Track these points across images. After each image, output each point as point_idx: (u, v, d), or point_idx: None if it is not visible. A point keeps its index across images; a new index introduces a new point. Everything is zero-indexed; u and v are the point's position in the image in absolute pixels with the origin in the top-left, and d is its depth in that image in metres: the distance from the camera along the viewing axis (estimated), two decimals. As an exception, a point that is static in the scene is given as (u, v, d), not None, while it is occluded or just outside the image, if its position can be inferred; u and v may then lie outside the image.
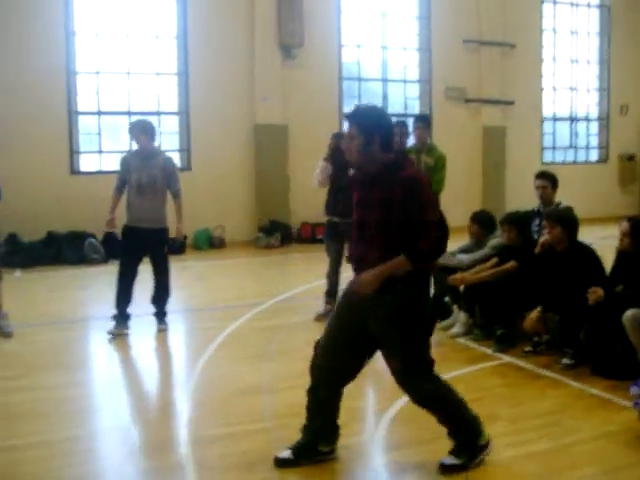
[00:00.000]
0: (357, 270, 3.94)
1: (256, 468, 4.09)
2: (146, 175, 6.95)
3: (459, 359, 6.22)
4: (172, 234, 7.30)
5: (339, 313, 4.08)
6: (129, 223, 7.10)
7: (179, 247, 11.22)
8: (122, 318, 7.02)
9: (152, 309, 7.25)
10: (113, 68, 12.83)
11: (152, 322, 7.21)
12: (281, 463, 4.11)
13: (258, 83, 13.53)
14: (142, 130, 7.04)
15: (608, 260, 6.10)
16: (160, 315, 7.26)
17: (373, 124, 3.85)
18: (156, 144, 7.53)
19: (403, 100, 15.63)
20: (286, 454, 4.13)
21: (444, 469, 4.02)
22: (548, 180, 7.36)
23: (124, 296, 7.04)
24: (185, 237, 10.65)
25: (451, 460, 4.04)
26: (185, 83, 13.21)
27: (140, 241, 7.02)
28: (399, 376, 3.97)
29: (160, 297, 7.24)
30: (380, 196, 3.82)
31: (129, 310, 7.08)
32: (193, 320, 7.95)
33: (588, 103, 18.23)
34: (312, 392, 4.13)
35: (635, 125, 18.31)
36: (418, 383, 3.96)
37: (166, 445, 4.51)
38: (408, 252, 3.72)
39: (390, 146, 3.90)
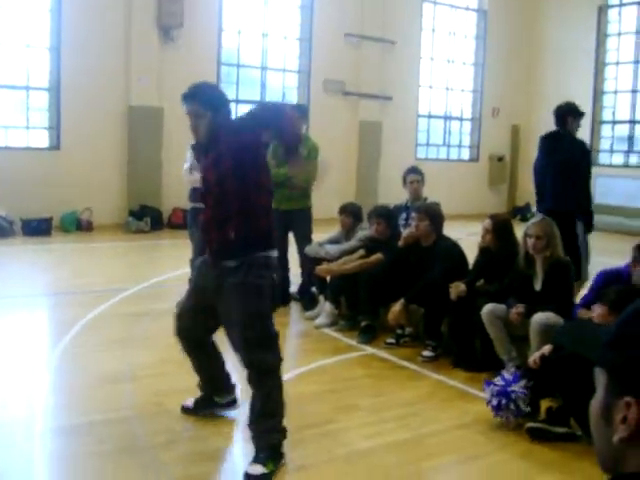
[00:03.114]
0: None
1: (113, 457, 3.96)
2: None
3: (323, 349, 6.23)
4: None
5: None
6: None
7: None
8: None
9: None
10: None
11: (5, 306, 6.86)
12: (184, 411, 4.51)
13: (134, 63, 13.13)
14: None
15: (474, 256, 6.25)
16: None
17: (218, 99, 4.02)
18: None
19: (281, 89, 15.59)
20: (189, 403, 4.53)
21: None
22: (421, 175, 7.57)
23: None
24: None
25: (258, 469, 3.78)
26: (57, 58, 12.65)
27: None
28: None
29: None
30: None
31: None
32: (54, 304, 7.63)
33: (462, 103, 18.74)
34: (187, 354, 4.38)
35: (505, 127, 18.97)
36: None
37: (19, 435, 4.28)
38: None
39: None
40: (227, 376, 4.52)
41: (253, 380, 3.91)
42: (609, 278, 5.34)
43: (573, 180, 6.85)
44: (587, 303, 5.28)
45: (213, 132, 3.95)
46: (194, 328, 4.24)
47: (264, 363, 3.88)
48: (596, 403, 1.17)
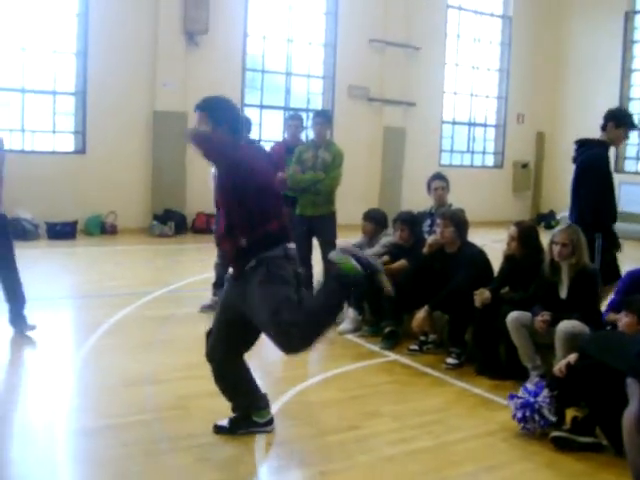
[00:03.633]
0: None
1: (135, 460, 3.97)
2: None
3: (347, 355, 6.22)
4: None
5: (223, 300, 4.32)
6: None
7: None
8: None
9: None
10: (7, 42, 12.28)
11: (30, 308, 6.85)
12: (218, 430, 4.36)
13: (159, 68, 13.22)
14: None
15: (498, 263, 6.21)
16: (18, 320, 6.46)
17: (222, 115, 4.12)
18: None
19: (306, 95, 15.61)
20: (224, 422, 4.37)
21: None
22: (446, 182, 7.52)
23: None
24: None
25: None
26: (84, 63, 12.75)
27: None
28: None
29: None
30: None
31: None
32: (80, 307, 7.68)
33: (487, 109, 18.67)
34: (217, 378, 4.33)
35: (530, 134, 18.87)
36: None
37: (42, 436, 4.30)
38: None
39: (237, 133, 4.17)
40: (262, 395, 4.46)
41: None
42: (635, 279, 5.29)
43: (584, 192, 6.42)
44: (615, 306, 5.23)
45: None
46: (226, 346, 4.25)
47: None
48: (630, 414, 1.14)
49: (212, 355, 4.28)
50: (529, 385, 4.66)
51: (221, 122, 4.09)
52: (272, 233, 4.01)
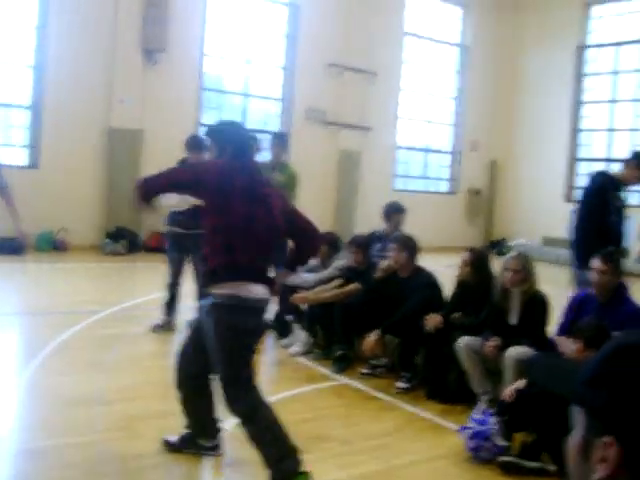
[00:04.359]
0: None
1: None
2: None
3: (297, 378, 6.20)
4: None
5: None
6: None
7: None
8: None
9: None
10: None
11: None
12: (166, 445, 4.33)
13: (117, 85, 13.14)
14: None
15: (451, 288, 6.26)
16: None
17: (224, 135, 4.14)
18: None
19: (263, 116, 15.64)
20: (174, 438, 4.34)
21: None
22: (405, 213, 7.59)
23: None
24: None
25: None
26: (40, 77, 12.64)
27: None
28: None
29: None
30: None
31: None
32: (26, 325, 7.55)
33: (442, 136, 18.88)
34: (184, 399, 4.27)
35: (484, 161, 19.12)
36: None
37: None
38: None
39: (241, 156, 4.03)
40: (215, 421, 4.39)
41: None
42: (580, 301, 5.39)
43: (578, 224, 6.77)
44: (564, 329, 5.30)
45: None
46: (194, 366, 4.19)
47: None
48: (574, 441, 1.15)
49: (182, 372, 4.24)
50: (475, 415, 4.69)
51: (225, 145, 4.07)
52: (237, 265, 3.85)
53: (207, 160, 4.25)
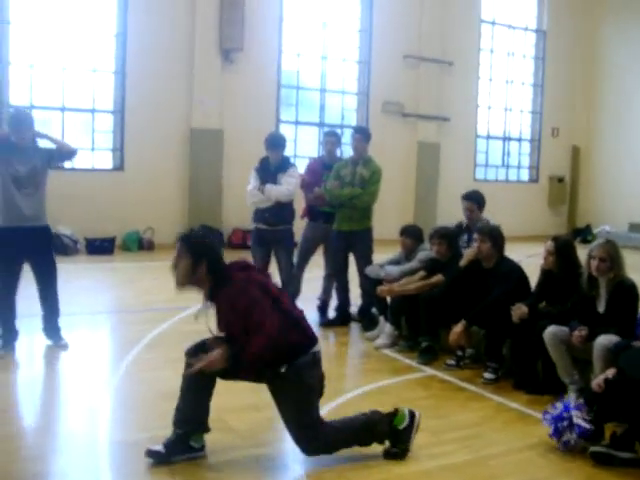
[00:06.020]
0: None
1: (173, 472, 4.02)
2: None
3: (383, 370, 6.24)
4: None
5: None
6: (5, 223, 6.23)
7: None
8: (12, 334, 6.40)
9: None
10: (48, 62, 12.54)
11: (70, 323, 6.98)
12: (151, 455, 4.14)
13: (196, 86, 13.42)
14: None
15: (534, 278, 6.20)
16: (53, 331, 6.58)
17: (202, 249, 4.23)
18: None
19: (340, 111, 15.71)
20: (158, 447, 4.17)
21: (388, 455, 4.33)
22: (474, 201, 7.31)
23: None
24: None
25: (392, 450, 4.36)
26: (122, 82, 13.01)
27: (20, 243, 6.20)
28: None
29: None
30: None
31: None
32: (119, 322, 7.79)
33: (521, 124, 18.62)
34: (186, 390, 4.32)
35: (565, 147, 18.78)
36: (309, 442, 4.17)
37: (83, 448, 4.39)
38: (232, 353, 4.10)
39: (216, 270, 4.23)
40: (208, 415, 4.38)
41: None
42: None
43: None
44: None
45: (195, 281, 4.42)
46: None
47: None
48: None
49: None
50: (558, 403, 4.66)
51: (201, 258, 4.21)
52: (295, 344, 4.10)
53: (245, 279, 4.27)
